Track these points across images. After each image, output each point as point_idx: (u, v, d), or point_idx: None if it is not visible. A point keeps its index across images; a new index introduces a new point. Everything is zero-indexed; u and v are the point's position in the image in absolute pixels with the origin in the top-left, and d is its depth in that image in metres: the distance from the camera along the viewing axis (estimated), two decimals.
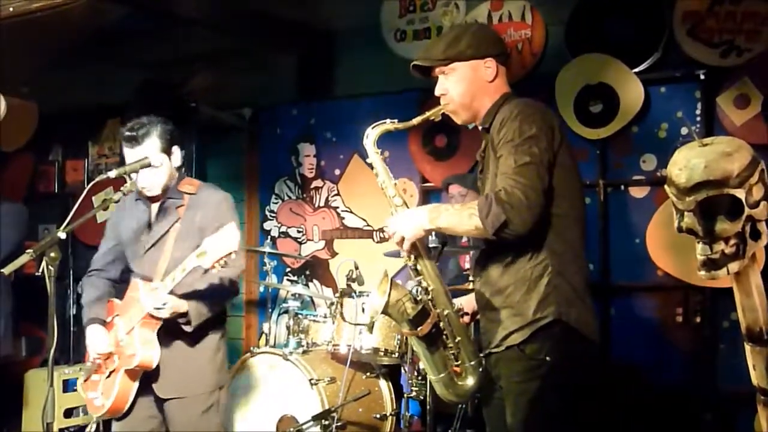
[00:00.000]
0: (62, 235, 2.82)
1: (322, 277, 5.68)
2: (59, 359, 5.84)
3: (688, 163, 1.76)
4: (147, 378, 3.34)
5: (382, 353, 4.23)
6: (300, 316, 4.64)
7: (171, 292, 3.20)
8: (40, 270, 2.71)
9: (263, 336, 4.93)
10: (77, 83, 6.23)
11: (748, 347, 1.93)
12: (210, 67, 5.81)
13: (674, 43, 4.41)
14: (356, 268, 4.27)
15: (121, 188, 3.23)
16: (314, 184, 5.73)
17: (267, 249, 5.00)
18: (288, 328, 4.66)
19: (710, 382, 4.31)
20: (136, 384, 3.33)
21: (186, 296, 3.27)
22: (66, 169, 6.73)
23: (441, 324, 2.64)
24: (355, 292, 4.27)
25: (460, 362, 2.66)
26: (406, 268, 3.13)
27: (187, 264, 3.12)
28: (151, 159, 3.21)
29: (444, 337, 2.65)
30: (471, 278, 3.99)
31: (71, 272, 6.27)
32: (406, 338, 4.08)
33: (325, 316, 4.54)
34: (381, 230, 5.36)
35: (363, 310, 4.16)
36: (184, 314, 3.26)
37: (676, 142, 4.25)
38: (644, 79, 4.47)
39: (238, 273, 3.45)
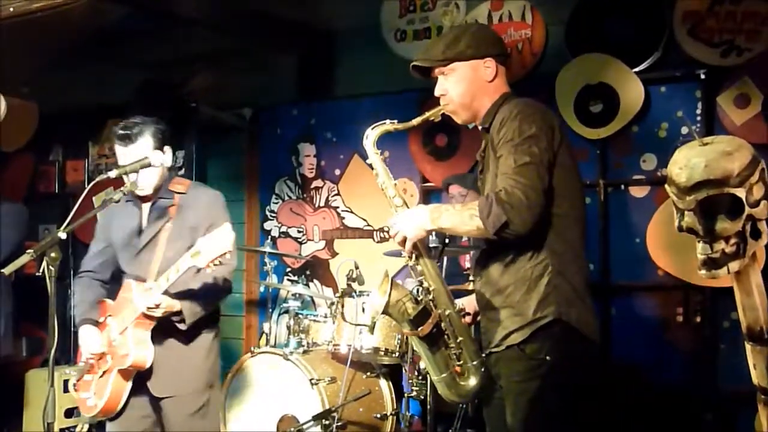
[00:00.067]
0: (63, 235, 2.82)
1: (323, 277, 5.68)
2: (60, 359, 5.83)
3: (689, 162, 1.76)
4: (140, 378, 3.34)
5: (382, 353, 4.23)
6: (300, 316, 4.64)
7: (165, 292, 3.21)
8: (41, 270, 2.72)
9: (264, 336, 4.93)
10: (77, 83, 6.23)
11: (748, 346, 1.94)
12: (210, 67, 5.81)
13: (674, 43, 4.41)
14: (356, 268, 4.27)
15: (121, 188, 3.24)
16: (314, 184, 5.73)
17: (267, 249, 5.00)
18: (288, 328, 4.66)
19: (711, 381, 4.31)
20: (130, 384, 3.34)
21: (180, 295, 3.28)
22: (66, 169, 6.73)
23: (442, 324, 2.64)
24: (356, 292, 4.27)
25: (461, 362, 2.66)
26: (406, 268, 3.13)
27: (181, 264, 3.13)
28: (151, 159, 3.21)
29: (445, 337, 2.65)
30: (471, 278, 3.99)
31: (72, 272, 6.25)
32: (407, 338, 4.08)
33: (326, 316, 4.55)
34: (381, 230, 5.36)
35: (363, 310, 4.16)
36: (178, 313, 3.27)
37: (676, 142, 4.26)
38: (644, 79, 4.47)
39: (231, 271, 3.47)
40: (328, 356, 4.43)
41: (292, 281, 5.77)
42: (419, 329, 2.59)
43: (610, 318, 4.59)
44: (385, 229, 5.22)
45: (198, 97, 5.74)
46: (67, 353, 6.21)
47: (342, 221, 5.60)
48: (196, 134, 5.85)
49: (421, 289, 2.68)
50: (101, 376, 3.36)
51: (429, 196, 5.25)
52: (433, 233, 3.49)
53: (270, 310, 5.03)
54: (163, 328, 3.31)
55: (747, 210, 1.75)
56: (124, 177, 3.21)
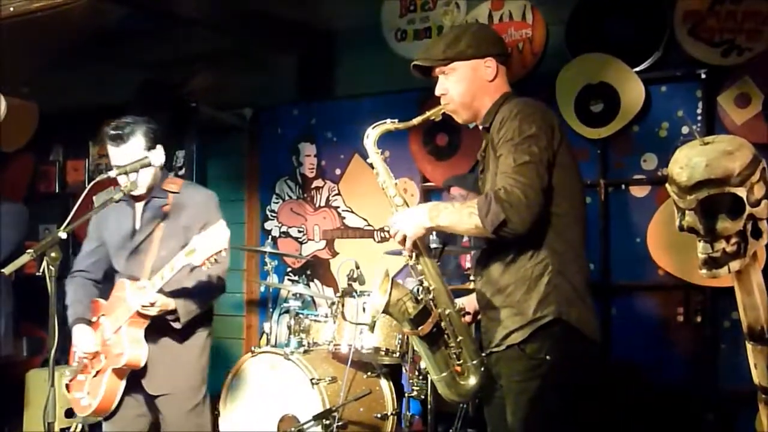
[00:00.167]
0: (63, 235, 2.82)
1: (323, 277, 5.68)
2: (60, 359, 5.80)
3: (690, 161, 1.76)
4: (135, 377, 3.35)
5: (383, 353, 4.23)
6: (301, 315, 4.64)
7: (159, 291, 3.21)
8: (41, 270, 2.72)
9: (264, 336, 4.93)
10: (77, 83, 6.23)
11: (749, 346, 1.94)
12: (210, 67, 5.81)
13: (675, 43, 4.41)
14: (357, 267, 4.27)
15: (121, 188, 3.24)
16: (315, 183, 5.73)
17: (268, 249, 5.00)
18: (289, 327, 4.66)
19: (711, 381, 4.30)
20: (123, 383, 3.35)
21: (174, 294, 3.29)
22: (67, 169, 6.74)
23: (442, 323, 2.64)
24: (356, 292, 4.27)
25: (461, 361, 2.66)
26: (407, 268, 3.14)
27: (176, 262, 3.14)
28: (151, 159, 3.21)
29: (445, 336, 2.65)
30: (472, 278, 3.99)
31: None
32: (407, 338, 4.08)
33: (326, 316, 4.55)
34: (382, 230, 5.36)
35: (364, 309, 4.16)
36: (173, 312, 3.27)
37: (677, 141, 4.26)
38: (645, 79, 4.46)
39: (224, 270, 3.47)
40: (328, 356, 4.43)
41: (292, 281, 5.77)
42: (419, 328, 2.59)
43: (610, 318, 4.59)
44: (386, 228, 5.22)
45: (198, 97, 5.74)
46: (68, 353, 6.21)
47: (342, 221, 5.60)
48: (196, 134, 5.85)
49: (421, 288, 2.68)
50: (95, 376, 3.37)
51: (429, 195, 5.24)
52: (434, 233, 3.51)
53: (270, 309, 5.03)
54: (157, 327, 3.33)
55: (748, 209, 1.75)
56: (124, 177, 3.21)
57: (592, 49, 4.61)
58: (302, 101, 5.76)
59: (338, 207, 5.63)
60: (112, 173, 3.16)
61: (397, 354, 4.23)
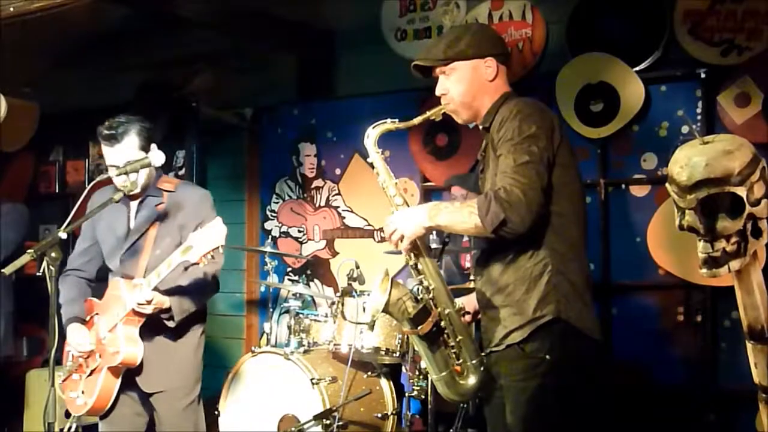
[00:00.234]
0: (63, 235, 2.82)
1: (323, 277, 5.68)
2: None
3: (689, 161, 1.76)
4: (130, 375, 3.35)
5: (383, 352, 4.23)
6: (301, 315, 4.64)
7: (154, 288, 3.21)
8: (41, 270, 2.72)
9: (264, 335, 4.93)
10: (77, 83, 6.24)
11: (749, 345, 1.94)
12: (210, 67, 5.81)
13: (675, 42, 4.41)
14: (357, 267, 4.27)
15: (121, 188, 3.24)
16: (315, 183, 5.73)
17: (268, 249, 5.00)
18: (289, 327, 4.66)
19: (711, 380, 4.30)
20: (119, 381, 3.35)
21: (169, 292, 3.30)
22: (67, 169, 6.74)
23: (442, 323, 2.64)
24: (356, 292, 4.27)
25: (461, 361, 2.66)
26: (407, 268, 3.13)
27: (173, 260, 3.15)
28: (151, 159, 3.21)
29: (445, 335, 2.65)
30: (472, 277, 3.99)
31: None
32: (407, 337, 4.08)
33: (326, 316, 4.55)
34: (382, 230, 5.36)
35: (364, 309, 4.16)
36: (167, 310, 3.28)
37: (676, 141, 4.27)
38: (645, 78, 4.46)
39: (219, 269, 3.47)
40: (328, 356, 4.43)
41: (292, 281, 5.77)
42: (419, 328, 2.60)
43: (610, 317, 4.59)
44: (384, 227, 5.22)
45: (198, 97, 5.74)
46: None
47: (342, 221, 5.60)
48: (196, 134, 5.86)
49: (420, 288, 2.68)
50: (89, 375, 3.37)
51: (430, 195, 5.24)
52: (435, 233, 3.51)
53: (271, 309, 5.03)
54: (152, 325, 3.33)
55: (748, 209, 1.75)
56: (124, 176, 3.21)
57: (592, 48, 4.61)
58: (302, 101, 5.76)
59: (338, 207, 5.63)
60: (112, 173, 3.16)
61: (398, 354, 4.23)
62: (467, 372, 2.67)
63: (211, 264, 3.26)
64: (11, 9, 4.22)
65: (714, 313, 4.32)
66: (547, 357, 2.53)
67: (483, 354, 2.68)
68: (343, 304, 4.28)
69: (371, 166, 2.77)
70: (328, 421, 4.11)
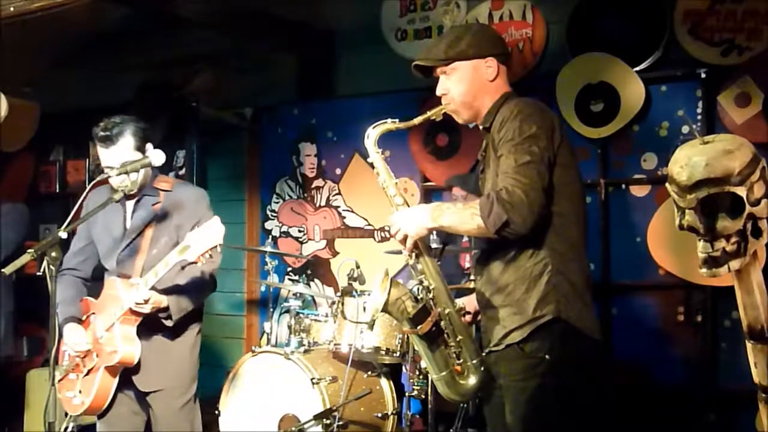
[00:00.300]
0: (63, 234, 2.82)
1: (324, 277, 5.68)
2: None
3: (689, 161, 1.76)
4: (127, 374, 3.35)
5: (383, 352, 4.23)
6: (301, 315, 4.64)
7: (152, 288, 3.21)
8: (41, 270, 2.72)
9: (265, 335, 4.93)
10: (77, 83, 6.24)
11: (749, 345, 1.94)
12: (210, 67, 5.81)
13: (675, 42, 4.41)
14: (357, 267, 4.27)
15: (121, 188, 3.24)
16: (315, 183, 5.73)
17: (268, 248, 5.00)
18: (289, 327, 4.66)
19: (711, 380, 4.30)
20: (116, 381, 3.35)
21: (167, 291, 3.30)
22: (67, 169, 6.73)
23: (442, 322, 2.64)
24: (357, 291, 4.27)
25: (461, 361, 2.67)
26: (407, 267, 3.14)
27: (170, 259, 3.15)
28: (151, 159, 3.20)
29: (445, 335, 2.66)
30: (472, 277, 3.99)
31: None
32: (407, 337, 4.08)
33: (327, 316, 4.54)
34: (382, 229, 5.36)
35: (364, 309, 4.16)
36: (165, 309, 3.28)
37: (677, 141, 4.27)
38: (645, 78, 4.46)
39: (216, 267, 3.47)
40: (329, 355, 4.43)
41: (293, 281, 5.77)
42: (419, 327, 2.60)
43: (610, 317, 4.59)
44: (386, 228, 5.22)
45: (198, 97, 5.74)
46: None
47: (343, 221, 5.60)
48: (196, 134, 5.85)
49: (421, 287, 2.69)
50: (86, 375, 3.37)
51: (430, 195, 5.24)
52: (435, 233, 3.51)
53: (271, 309, 5.03)
54: (148, 324, 3.33)
55: (748, 208, 1.76)
56: (124, 176, 3.21)
57: (593, 48, 4.61)
58: (302, 101, 5.76)
59: (338, 207, 5.63)
60: (112, 173, 3.16)
61: (398, 353, 4.23)
62: (467, 372, 2.67)
63: (209, 263, 3.26)
64: (11, 9, 4.22)
65: (714, 313, 4.32)
66: (547, 357, 2.53)
67: (483, 354, 2.69)
68: (343, 304, 4.28)
69: (371, 166, 2.77)
70: (328, 421, 4.11)
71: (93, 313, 3.44)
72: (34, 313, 4.94)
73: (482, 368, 2.67)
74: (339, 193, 5.63)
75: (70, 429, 4.48)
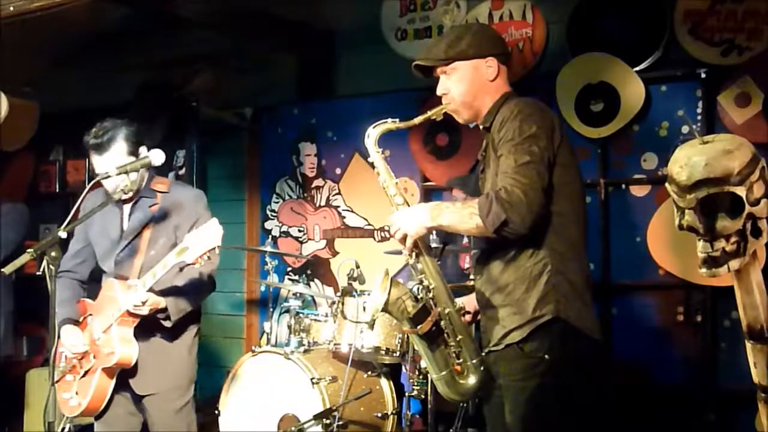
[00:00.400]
0: (63, 234, 2.82)
1: (324, 277, 5.68)
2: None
3: (689, 160, 1.76)
4: (125, 375, 3.35)
5: (383, 352, 4.23)
6: (301, 315, 4.64)
7: (150, 289, 3.21)
8: (41, 269, 2.72)
9: (264, 335, 4.93)
10: (77, 83, 6.24)
11: (749, 345, 1.94)
12: (210, 67, 5.81)
13: (675, 42, 4.41)
14: (357, 267, 4.27)
15: (122, 187, 3.24)
16: (315, 183, 5.73)
17: (268, 248, 5.00)
18: (289, 327, 4.66)
19: (711, 380, 4.31)
20: (113, 382, 3.34)
21: (165, 292, 3.29)
22: (67, 168, 6.73)
23: (442, 322, 2.64)
24: (357, 291, 4.27)
25: (461, 361, 2.67)
26: (407, 267, 3.14)
27: (168, 261, 3.14)
28: (151, 159, 3.20)
29: (445, 335, 2.66)
30: (472, 277, 3.99)
31: None
32: (407, 337, 4.08)
33: (327, 315, 4.55)
34: (382, 229, 5.37)
35: (364, 309, 4.16)
36: (163, 310, 3.27)
37: (676, 141, 4.27)
38: (645, 78, 4.46)
39: (214, 268, 3.47)
40: (329, 355, 4.43)
41: (292, 280, 5.77)
42: (418, 327, 2.60)
43: (610, 317, 4.59)
44: (386, 228, 5.22)
45: (198, 97, 5.74)
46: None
47: (343, 220, 5.60)
48: (196, 134, 5.85)
49: (420, 287, 2.69)
50: (83, 376, 3.36)
51: (430, 195, 5.24)
52: (435, 232, 3.50)
53: (271, 309, 5.03)
54: (146, 326, 3.32)
55: (747, 208, 1.75)
56: (124, 176, 3.21)
57: (593, 48, 4.61)
58: (302, 101, 5.76)
59: (338, 206, 5.63)
60: (112, 173, 3.16)
61: (398, 353, 4.23)
62: (467, 371, 2.67)
63: (207, 264, 3.25)
64: (11, 9, 4.22)
65: (714, 312, 4.33)
66: (546, 356, 2.53)
67: (483, 353, 2.69)
68: (343, 304, 4.28)
69: (372, 165, 2.77)
70: (328, 421, 4.11)
71: (90, 315, 3.43)
72: (33, 312, 4.93)
73: (482, 368, 2.67)
74: (339, 193, 5.63)
75: (67, 429, 4.48)
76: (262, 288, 5.91)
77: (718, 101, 4.32)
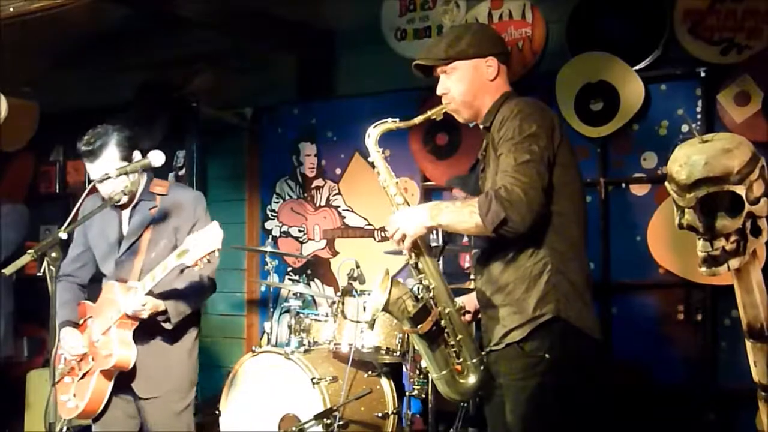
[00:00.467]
0: (63, 235, 2.82)
1: (324, 276, 5.68)
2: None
3: (689, 159, 1.76)
4: (124, 378, 3.34)
5: (383, 352, 4.23)
6: (301, 315, 4.64)
7: (149, 292, 3.21)
8: (42, 270, 2.72)
9: (265, 335, 4.93)
10: (77, 83, 6.24)
11: (749, 344, 1.94)
12: (210, 67, 5.81)
13: (675, 41, 4.41)
14: (357, 267, 4.27)
15: (122, 188, 3.24)
16: (315, 183, 5.73)
17: (268, 248, 5.00)
18: (289, 327, 4.67)
19: (711, 379, 4.31)
20: (111, 384, 3.34)
21: (164, 295, 3.29)
22: (67, 169, 6.73)
23: (442, 322, 2.65)
24: (357, 291, 4.27)
25: (461, 360, 2.67)
26: (407, 267, 3.14)
27: (168, 263, 3.13)
28: (152, 160, 3.20)
29: (445, 335, 2.66)
30: (472, 276, 4.00)
31: None
32: (408, 337, 4.08)
33: (327, 315, 4.55)
34: (382, 229, 5.36)
35: (364, 309, 4.16)
36: (164, 312, 3.27)
37: (676, 140, 4.27)
38: (645, 77, 4.46)
39: (214, 269, 3.47)
40: (329, 355, 4.43)
41: (293, 280, 5.77)
42: (419, 327, 2.60)
43: (610, 316, 4.59)
44: (386, 228, 5.22)
45: (198, 97, 5.74)
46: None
47: (343, 220, 5.60)
48: (196, 134, 5.85)
49: (421, 287, 2.69)
50: (81, 378, 3.36)
51: (430, 194, 5.24)
52: (435, 232, 3.51)
53: (271, 309, 5.03)
54: (146, 328, 3.32)
55: (747, 207, 1.76)
56: (113, 186, 3.21)
57: (592, 47, 4.61)
58: (302, 101, 5.76)
59: (338, 206, 5.63)
60: (112, 173, 3.15)
61: (398, 353, 4.23)
62: (467, 371, 2.67)
63: (207, 266, 3.24)
64: (11, 9, 4.22)
65: (714, 311, 4.32)
66: (547, 356, 2.54)
67: (483, 353, 2.69)
68: (343, 304, 4.28)
69: (372, 165, 2.78)
70: (328, 421, 4.11)
71: (90, 317, 3.43)
72: (34, 313, 4.93)
73: (482, 367, 2.67)
74: (339, 193, 5.63)
75: (65, 430, 4.48)
76: (263, 288, 5.91)
77: (718, 100, 4.31)
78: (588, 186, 4.37)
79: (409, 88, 4.85)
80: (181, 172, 5.95)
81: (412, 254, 2.67)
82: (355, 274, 4.27)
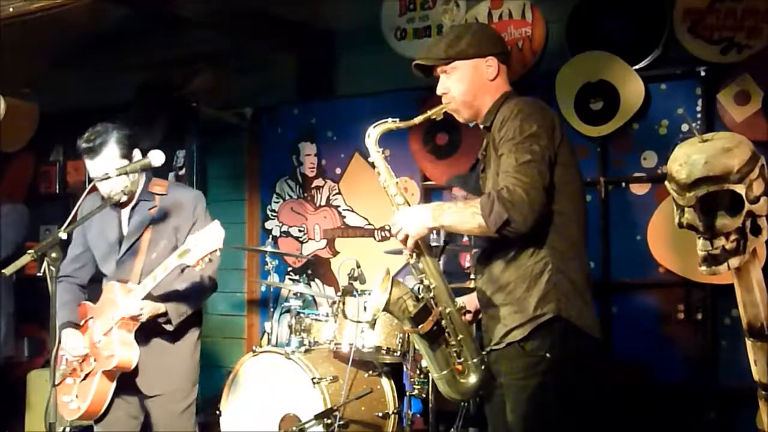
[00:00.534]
0: (63, 235, 2.82)
1: (324, 276, 5.68)
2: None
3: (689, 159, 1.76)
4: (128, 378, 3.34)
5: (384, 352, 4.23)
6: (302, 315, 4.64)
7: (148, 294, 3.21)
8: (42, 270, 2.72)
9: (265, 335, 4.93)
10: (77, 83, 6.24)
11: (749, 343, 1.94)
12: (210, 67, 5.81)
13: (675, 40, 4.41)
14: (358, 266, 4.28)
15: (122, 188, 3.24)
16: (315, 183, 5.73)
17: (268, 248, 5.00)
18: (290, 327, 4.67)
19: (712, 378, 4.31)
20: (113, 385, 3.33)
21: (165, 296, 3.29)
22: (67, 169, 6.73)
23: (443, 322, 2.65)
24: (357, 291, 4.27)
25: (462, 360, 2.67)
26: (407, 267, 3.14)
27: (169, 263, 3.13)
28: (152, 160, 3.20)
29: (446, 334, 2.66)
30: (472, 276, 3.99)
31: None
32: (408, 336, 4.08)
33: (327, 315, 4.55)
34: (382, 229, 5.36)
35: (365, 308, 4.16)
36: (164, 314, 3.27)
37: (676, 139, 4.27)
38: (645, 76, 4.46)
39: (215, 269, 3.47)
40: (329, 355, 4.43)
41: (293, 280, 5.77)
42: (420, 327, 2.60)
43: (611, 316, 4.59)
44: (387, 227, 5.22)
45: (198, 97, 5.74)
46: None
47: (343, 220, 5.60)
48: (196, 134, 5.85)
49: (421, 286, 2.69)
50: (83, 379, 3.35)
51: (430, 194, 5.24)
52: (435, 231, 3.51)
53: (271, 309, 5.03)
54: (148, 329, 3.32)
55: (747, 206, 1.76)
56: (112, 185, 3.21)
57: (592, 47, 4.61)
58: (302, 101, 5.76)
59: (339, 206, 5.63)
60: (112, 173, 3.15)
61: (398, 353, 4.23)
62: (468, 371, 2.67)
63: (208, 266, 3.24)
64: (11, 9, 4.22)
65: (714, 310, 4.32)
66: (548, 355, 2.54)
67: (484, 352, 2.69)
68: (344, 304, 4.28)
69: (372, 165, 2.78)
70: (329, 421, 4.11)
71: (91, 318, 3.43)
72: (34, 314, 4.94)
73: (483, 367, 2.67)
74: (339, 193, 5.63)
75: (66, 431, 4.48)
76: (263, 288, 5.91)
77: (718, 99, 4.31)
78: (588, 185, 4.37)
79: (409, 88, 4.85)
80: (181, 172, 5.95)
81: (413, 254, 2.67)
82: (356, 274, 4.27)
